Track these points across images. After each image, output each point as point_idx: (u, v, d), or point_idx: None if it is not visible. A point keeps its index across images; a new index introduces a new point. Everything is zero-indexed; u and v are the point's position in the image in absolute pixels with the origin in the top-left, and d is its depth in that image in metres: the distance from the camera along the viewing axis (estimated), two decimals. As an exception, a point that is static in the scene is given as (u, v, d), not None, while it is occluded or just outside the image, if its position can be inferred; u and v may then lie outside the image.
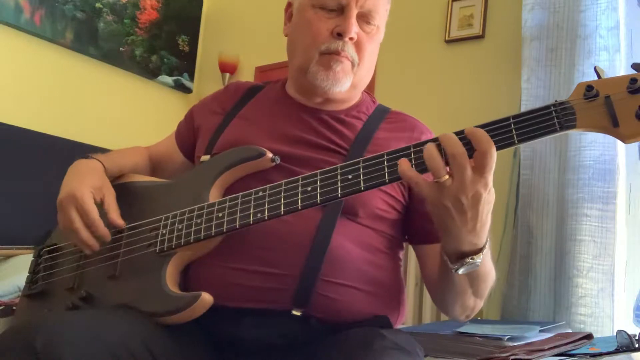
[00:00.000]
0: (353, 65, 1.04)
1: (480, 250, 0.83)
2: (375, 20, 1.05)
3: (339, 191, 0.85)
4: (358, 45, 1.04)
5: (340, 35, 1.02)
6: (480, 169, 0.76)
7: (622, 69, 1.72)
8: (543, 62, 1.86)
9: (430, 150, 0.77)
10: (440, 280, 0.94)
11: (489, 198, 0.79)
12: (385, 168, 0.83)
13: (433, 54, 2.30)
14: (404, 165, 0.79)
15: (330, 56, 1.02)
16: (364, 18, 1.04)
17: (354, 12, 1.02)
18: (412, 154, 0.82)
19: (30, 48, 2.36)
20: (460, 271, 0.84)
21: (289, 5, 1.13)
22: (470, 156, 0.76)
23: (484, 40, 2.18)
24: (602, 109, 0.76)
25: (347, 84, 1.04)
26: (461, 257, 0.83)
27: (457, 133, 0.79)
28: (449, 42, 2.26)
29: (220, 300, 0.90)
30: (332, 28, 1.02)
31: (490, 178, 0.77)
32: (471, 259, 0.83)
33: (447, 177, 0.76)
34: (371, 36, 1.05)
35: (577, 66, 1.78)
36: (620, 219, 1.66)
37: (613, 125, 0.75)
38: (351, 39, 1.02)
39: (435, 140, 0.80)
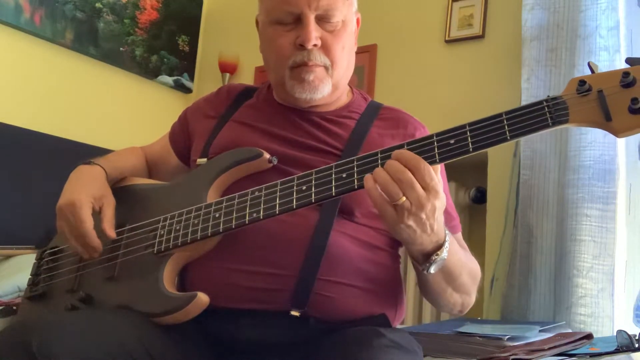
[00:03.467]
0: (327, 68, 1.03)
1: (442, 245, 0.86)
2: (336, 17, 1.02)
3: (333, 190, 0.85)
4: (325, 48, 1.02)
5: (302, 46, 1.00)
6: (424, 184, 0.78)
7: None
8: (543, 62, 1.85)
9: (384, 177, 0.79)
10: (419, 282, 0.97)
11: (441, 203, 0.81)
12: (379, 166, 0.83)
13: (433, 54, 2.30)
14: (370, 185, 0.80)
15: (300, 69, 1.02)
16: (324, 18, 1.02)
17: (311, 18, 1.00)
18: None
19: (30, 48, 2.35)
20: (432, 270, 0.87)
21: (257, 22, 1.12)
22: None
23: (484, 40, 2.18)
24: (594, 104, 0.75)
25: (327, 89, 1.04)
26: (427, 256, 0.86)
27: (455, 129, 0.81)
28: (449, 42, 2.26)
29: (218, 301, 0.90)
30: (294, 40, 1.01)
31: (437, 187, 0.80)
32: (436, 255, 0.86)
33: (404, 198, 0.78)
34: (336, 33, 1.03)
35: (577, 66, 1.77)
36: (620, 219, 1.66)
37: (606, 120, 0.75)
38: (315, 45, 1.01)
39: (430, 138, 0.82)
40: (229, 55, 2.86)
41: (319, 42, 1.01)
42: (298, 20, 1.01)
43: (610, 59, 1.72)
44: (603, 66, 1.73)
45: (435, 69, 2.28)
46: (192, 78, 3.00)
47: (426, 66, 2.30)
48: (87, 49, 2.54)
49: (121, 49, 2.68)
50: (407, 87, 2.32)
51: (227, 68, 2.86)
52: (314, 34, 1.00)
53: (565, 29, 1.83)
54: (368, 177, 0.81)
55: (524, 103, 1.85)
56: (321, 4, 1.00)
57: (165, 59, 2.87)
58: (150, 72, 2.81)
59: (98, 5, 2.58)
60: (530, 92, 1.85)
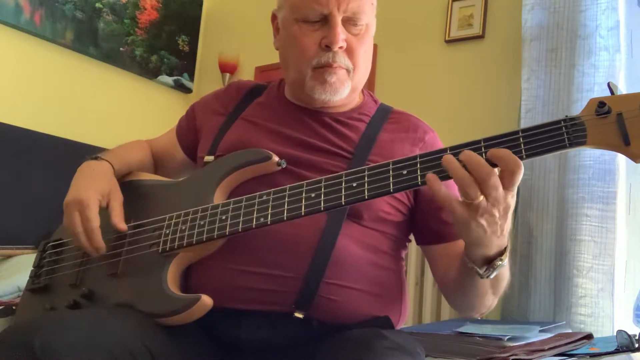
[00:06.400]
0: (348, 71, 1.02)
1: (505, 250, 0.84)
2: (362, 20, 1.02)
3: (343, 199, 0.85)
4: (349, 51, 1.01)
5: (328, 47, 0.99)
6: (508, 186, 0.76)
7: (622, 69, 1.72)
8: (543, 62, 1.86)
9: (461, 176, 0.75)
10: (460, 284, 0.93)
11: (514, 202, 0.79)
12: (390, 177, 0.82)
13: (433, 54, 2.30)
14: (436, 185, 0.77)
15: (323, 69, 1.00)
16: (350, 21, 1.01)
17: (338, 19, 0.99)
18: (419, 164, 0.81)
19: (30, 48, 2.35)
20: (492, 275, 0.84)
21: (274, 17, 1.11)
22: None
23: (484, 40, 2.18)
24: (613, 127, 0.74)
25: (346, 92, 1.03)
26: (488, 261, 0.84)
27: (470, 144, 0.79)
28: (449, 42, 2.26)
29: (221, 302, 0.90)
30: (319, 40, 1.00)
31: (516, 188, 0.77)
32: (500, 260, 0.83)
33: (482, 197, 0.75)
34: (360, 37, 1.03)
35: (577, 66, 1.78)
36: (620, 219, 1.66)
37: (624, 144, 0.73)
38: (340, 47, 1.00)
39: (443, 151, 0.80)
40: (229, 55, 2.86)
41: (344, 45, 1.00)
42: (325, 20, 1.00)
43: (610, 59, 1.72)
44: (603, 66, 1.73)
45: (435, 69, 2.28)
46: (192, 78, 3.00)
47: (426, 66, 2.31)
48: (87, 49, 2.54)
49: (121, 49, 2.68)
50: (407, 87, 2.32)
51: (227, 68, 2.86)
52: (341, 35, 0.99)
53: (565, 29, 1.83)
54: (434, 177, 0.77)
55: (524, 103, 1.87)
56: (350, 7, 0.99)
57: (165, 59, 2.87)
58: (150, 72, 2.81)
59: (98, 5, 2.58)
60: (530, 92, 1.86)
